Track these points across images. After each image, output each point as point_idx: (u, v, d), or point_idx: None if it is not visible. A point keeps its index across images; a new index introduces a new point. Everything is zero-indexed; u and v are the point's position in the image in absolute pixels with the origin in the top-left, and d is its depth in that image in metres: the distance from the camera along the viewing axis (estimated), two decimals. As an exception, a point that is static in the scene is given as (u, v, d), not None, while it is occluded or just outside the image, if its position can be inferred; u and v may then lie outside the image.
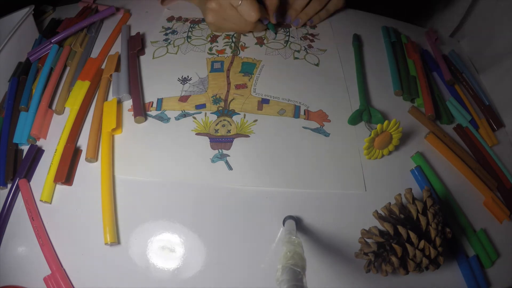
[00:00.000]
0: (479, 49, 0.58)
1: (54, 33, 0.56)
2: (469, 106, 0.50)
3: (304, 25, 0.58)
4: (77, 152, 0.41)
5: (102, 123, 0.43)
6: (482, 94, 0.52)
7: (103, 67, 0.50)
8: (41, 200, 0.38)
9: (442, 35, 0.62)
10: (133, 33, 0.56)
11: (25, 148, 0.42)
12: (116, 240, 0.35)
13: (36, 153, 0.41)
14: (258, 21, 0.53)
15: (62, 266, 0.35)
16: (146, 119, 0.43)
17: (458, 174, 0.42)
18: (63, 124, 0.43)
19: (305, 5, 0.57)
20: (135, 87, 0.46)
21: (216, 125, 0.44)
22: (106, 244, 0.35)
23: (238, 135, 0.43)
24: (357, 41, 0.55)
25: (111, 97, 0.47)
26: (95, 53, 0.53)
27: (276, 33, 0.55)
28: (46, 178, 0.39)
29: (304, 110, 0.46)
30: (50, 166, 0.39)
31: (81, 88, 0.46)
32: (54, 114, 0.45)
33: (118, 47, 0.53)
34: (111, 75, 0.48)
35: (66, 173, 0.38)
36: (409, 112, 0.47)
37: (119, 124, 0.43)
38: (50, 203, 0.38)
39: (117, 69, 0.50)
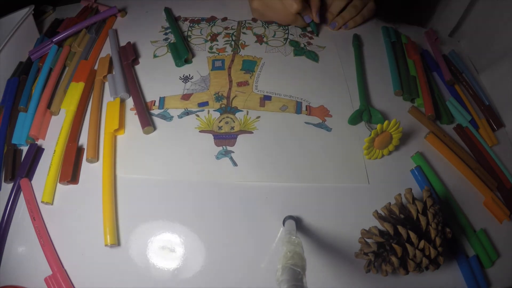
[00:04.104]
0: (479, 49, 0.58)
1: (56, 33, 0.56)
2: (469, 106, 0.50)
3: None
4: (80, 150, 0.41)
5: (105, 123, 0.43)
6: (482, 94, 0.52)
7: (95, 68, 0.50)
8: (42, 201, 0.38)
9: (442, 35, 0.62)
10: (131, 35, 0.56)
11: (24, 148, 0.42)
12: (116, 242, 0.35)
13: (36, 152, 0.41)
14: (299, 16, 0.54)
15: (63, 267, 0.35)
16: (155, 129, 0.43)
17: (458, 174, 0.42)
18: (61, 125, 0.43)
19: (341, 10, 0.57)
20: (137, 98, 0.45)
21: (220, 122, 0.44)
22: (106, 245, 0.35)
23: (242, 131, 0.43)
24: (357, 41, 0.55)
25: (107, 97, 0.47)
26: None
27: (318, 34, 0.56)
28: (46, 180, 0.39)
29: (306, 106, 0.46)
30: (50, 167, 0.39)
31: (75, 90, 0.46)
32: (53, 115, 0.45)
33: (108, 50, 0.53)
34: (104, 77, 0.48)
35: (71, 172, 0.38)
36: (409, 112, 0.47)
37: (121, 124, 0.43)
38: (52, 204, 0.38)
39: (110, 70, 0.50)
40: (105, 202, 0.37)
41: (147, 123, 0.42)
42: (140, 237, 0.36)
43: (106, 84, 0.48)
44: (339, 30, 0.58)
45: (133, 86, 0.47)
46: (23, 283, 0.34)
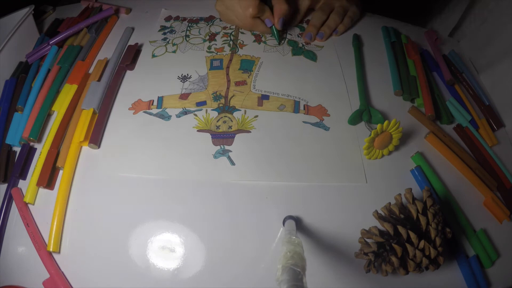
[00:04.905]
0: (479, 49, 0.58)
1: (56, 33, 0.56)
2: (469, 106, 0.50)
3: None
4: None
5: (74, 132, 0.42)
6: (482, 94, 0.52)
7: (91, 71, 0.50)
8: (24, 201, 0.38)
9: (442, 35, 0.62)
10: (134, 37, 0.56)
11: (18, 149, 0.42)
12: (58, 250, 0.35)
13: (29, 153, 0.41)
14: (260, 21, 0.53)
15: (60, 269, 0.34)
16: (99, 147, 0.42)
17: (458, 174, 0.42)
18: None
19: (324, 20, 0.56)
20: (104, 113, 0.44)
21: (217, 121, 0.44)
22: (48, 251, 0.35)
23: (240, 130, 0.43)
24: (357, 41, 0.55)
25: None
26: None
27: (279, 41, 0.54)
28: (30, 181, 0.39)
29: (304, 105, 0.46)
30: (35, 169, 0.39)
31: (68, 92, 0.46)
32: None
33: (107, 50, 0.53)
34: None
35: (47, 178, 0.38)
36: (409, 112, 0.47)
37: (87, 137, 0.42)
38: (33, 204, 0.38)
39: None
40: (55, 212, 0.37)
41: (95, 140, 0.41)
42: (139, 237, 0.36)
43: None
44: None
45: (108, 99, 0.45)
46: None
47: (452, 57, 0.57)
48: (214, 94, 0.47)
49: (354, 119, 0.44)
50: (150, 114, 0.45)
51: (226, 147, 0.41)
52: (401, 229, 0.31)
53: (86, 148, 0.42)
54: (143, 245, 0.36)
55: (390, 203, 0.34)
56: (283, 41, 0.54)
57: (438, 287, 0.35)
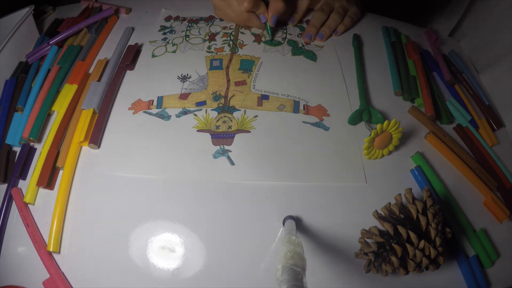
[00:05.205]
0: (479, 49, 0.58)
1: (56, 33, 0.56)
2: (469, 106, 0.50)
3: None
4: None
5: (74, 133, 0.42)
6: (482, 94, 0.52)
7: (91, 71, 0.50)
8: (24, 201, 0.38)
9: (442, 35, 0.62)
10: (134, 37, 0.56)
11: (18, 149, 0.43)
12: (58, 250, 0.35)
13: (29, 153, 0.41)
14: (254, 16, 0.53)
15: (60, 269, 0.35)
16: (99, 147, 0.42)
17: (458, 174, 0.42)
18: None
19: (325, 20, 0.56)
20: (104, 113, 0.44)
21: (217, 121, 0.44)
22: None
23: (239, 130, 0.43)
24: (357, 41, 0.55)
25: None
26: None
27: (272, 38, 0.54)
28: (30, 181, 0.39)
29: (304, 105, 0.46)
30: (35, 169, 0.39)
31: (68, 92, 0.46)
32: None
33: (107, 50, 0.53)
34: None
35: (47, 178, 0.38)
36: (409, 112, 0.47)
37: (87, 137, 0.42)
38: (33, 204, 0.38)
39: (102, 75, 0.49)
40: (55, 212, 0.37)
41: (95, 140, 0.41)
42: (139, 237, 0.36)
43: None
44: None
45: (108, 99, 0.46)
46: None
47: (452, 57, 0.57)
48: (214, 94, 0.47)
49: (354, 119, 0.44)
50: (150, 114, 0.45)
51: (226, 147, 0.41)
52: (401, 229, 0.31)
53: (86, 148, 0.42)
54: (143, 245, 0.36)
55: (390, 203, 0.34)
56: (282, 41, 0.54)
57: (438, 287, 0.35)
